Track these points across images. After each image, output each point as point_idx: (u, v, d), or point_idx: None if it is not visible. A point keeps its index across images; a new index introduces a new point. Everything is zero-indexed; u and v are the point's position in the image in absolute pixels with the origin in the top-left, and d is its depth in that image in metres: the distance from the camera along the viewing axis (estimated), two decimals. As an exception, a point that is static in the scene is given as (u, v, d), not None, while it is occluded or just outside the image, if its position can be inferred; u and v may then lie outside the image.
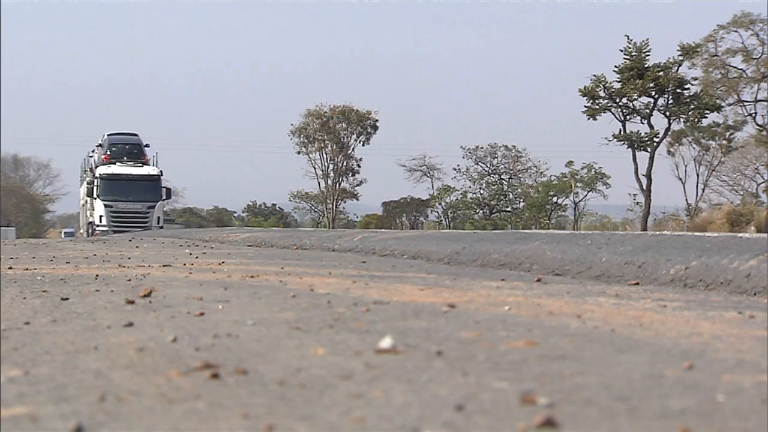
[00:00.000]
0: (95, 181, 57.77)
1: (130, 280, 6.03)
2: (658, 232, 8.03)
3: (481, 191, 74.72)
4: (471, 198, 74.48)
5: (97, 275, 6.50)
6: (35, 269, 7.41)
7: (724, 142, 60.88)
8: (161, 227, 56.27)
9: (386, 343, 3.02)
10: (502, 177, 74.70)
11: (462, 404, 2.15)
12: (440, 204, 77.34)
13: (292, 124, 79.14)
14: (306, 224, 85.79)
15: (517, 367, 2.65)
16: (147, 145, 60.43)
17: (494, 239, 8.93)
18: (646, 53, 52.44)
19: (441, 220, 75.66)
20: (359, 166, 79.29)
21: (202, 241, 17.02)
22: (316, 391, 2.32)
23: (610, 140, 53.78)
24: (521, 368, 2.62)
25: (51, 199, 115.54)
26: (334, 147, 78.16)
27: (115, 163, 57.71)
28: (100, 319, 3.88)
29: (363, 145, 78.21)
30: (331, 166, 79.07)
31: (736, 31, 56.04)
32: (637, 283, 5.86)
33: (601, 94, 53.20)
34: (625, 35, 54.29)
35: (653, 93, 52.41)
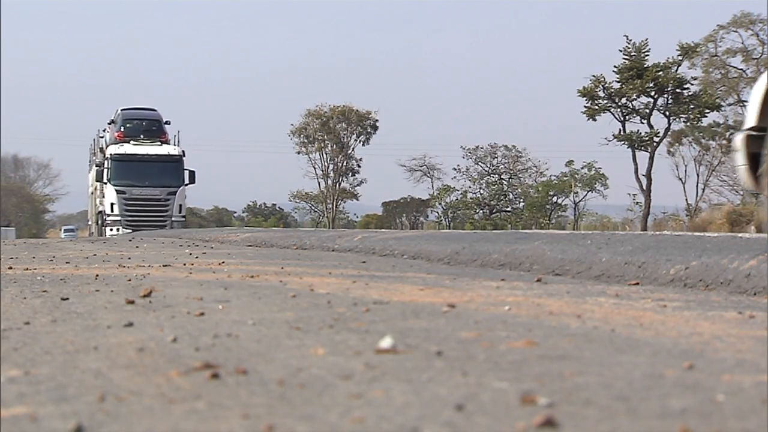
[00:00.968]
0: (106, 162, 49.57)
1: (130, 280, 6.03)
2: (658, 232, 8.03)
3: (481, 191, 74.74)
4: (471, 198, 74.50)
5: (97, 275, 6.51)
6: (35, 269, 7.41)
7: (724, 142, 60.89)
8: (183, 217, 49.30)
9: (386, 343, 3.02)
10: (502, 177, 74.72)
11: (462, 404, 2.15)
12: (440, 204, 77.35)
13: (292, 124, 79.13)
14: (306, 224, 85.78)
15: (517, 367, 2.65)
16: (167, 122, 51.96)
17: (494, 239, 8.93)
18: (646, 53, 52.42)
19: (441, 220, 75.68)
20: (359, 166, 79.32)
21: (202, 241, 17.02)
22: (316, 391, 2.32)
23: (609, 140, 53.79)
24: (521, 368, 2.62)
25: (51, 199, 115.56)
26: (334, 147, 78.17)
27: (129, 142, 49.57)
28: (100, 319, 3.88)
29: (363, 145, 78.24)
30: (331, 166, 79.08)
31: (736, 31, 56.06)
32: (637, 283, 5.86)
33: (601, 94, 53.20)
34: (624, 35, 54.33)
35: (653, 93, 52.39)
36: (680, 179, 63.57)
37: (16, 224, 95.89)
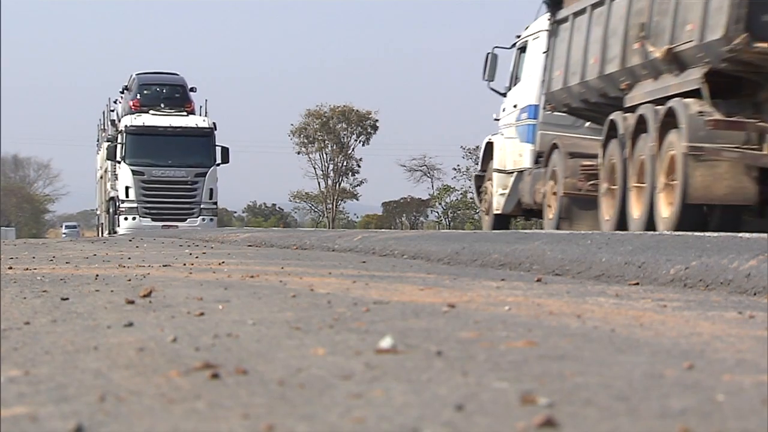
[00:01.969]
0: (119, 137, 41.05)
1: (130, 280, 6.03)
2: (658, 232, 8.03)
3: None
4: (471, 198, 74.51)
5: (97, 275, 6.51)
6: (35, 269, 7.41)
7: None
8: (215, 204, 41.13)
9: (386, 343, 3.02)
10: (502, 177, 74.68)
11: (462, 404, 2.15)
12: (440, 204, 77.33)
13: (292, 124, 79.17)
14: (306, 224, 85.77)
15: (517, 367, 2.65)
16: (193, 89, 42.68)
17: (494, 239, 8.93)
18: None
19: (441, 220, 75.64)
20: (359, 166, 79.37)
21: (202, 241, 17.02)
22: (316, 391, 2.32)
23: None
24: (521, 368, 2.62)
25: (51, 199, 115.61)
26: (334, 147, 78.20)
27: (147, 112, 40.75)
28: (100, 319, 3.88)
29: (363, 145, 78.32)
30: (331, 166, 79.10)
31: (736, 31, 55.92)
32: (637, 283, 5.86)
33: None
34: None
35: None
36: (680, 179, 63.51)
37: (16, 224, 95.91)
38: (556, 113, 17.61)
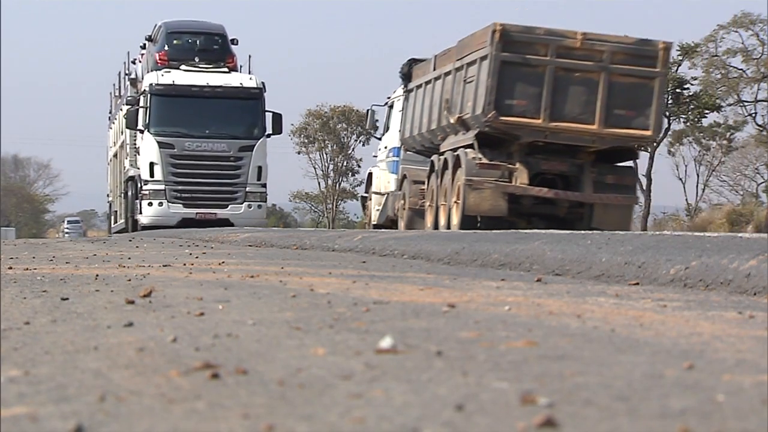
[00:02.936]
0: (141, 99, 31.70)
1: (130, 280, 6.03)
2: (658, 232, 8.03)
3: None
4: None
5: (97, 275, 6.50)
6: (35, 269, 7.41)
7: (725, 142, 60.88)
8: (264, 187, 31.92)
9: (386, 343, 3.02)
10: (502, 177, 74.69)
11: (462, 404, 2.15)
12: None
13: (292, 124, 79.02)
14: (306, 224, 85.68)
15: (517, 367, 2.65)
16: (234, 41, 33.55)
17: (494, 239, 8.93)
18: (646, 53, 52.23)
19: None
20: (359, 166, 79.28)
21: (202, 241, 17.02)
22: (316, 391, 2.32)
23: (609, 140, 53.66)
24: (521, 368, 2.62)
25: (51, 199, 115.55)
26: (334, 147, 78.14)
27: (178, 67, 31.75)
28: (100, 319, 3.88)
29: (363, 145, 78.20)
30: (331, 166, 79.02)
31: (736, 31, 55.98)
32: (637, 283, 5.86)
33: (601, 94, 53.04)
34: (625, 35, 54.19)
35: (653, 93, 52.25)
36: (680, 179, 63.57)
37: (16, 224, 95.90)
38: (409, 153, 24.93)
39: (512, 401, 2.19)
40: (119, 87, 41.62)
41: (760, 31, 55.68)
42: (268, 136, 32.17)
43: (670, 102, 52.25)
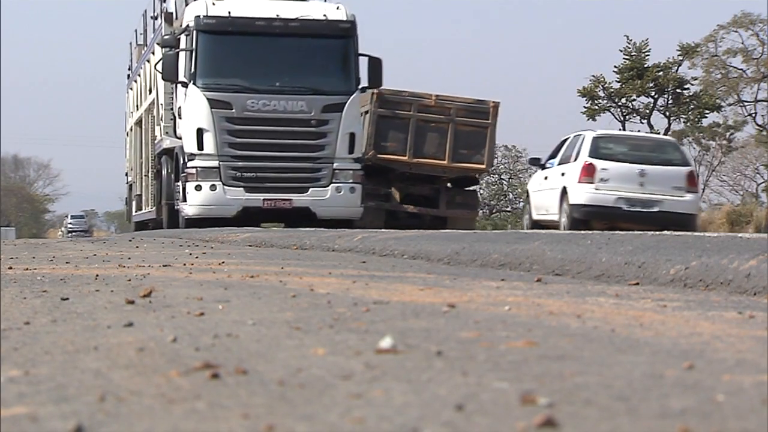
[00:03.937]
0: (183, 39, 23.04)
1: (130, 280, 6.03)
2: (658, 232, 8.03)
3: (481, 191, 74.71)
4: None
5: (97, 275, 6.51)
6: (35, 269, 7.41)
7: (724, 142, 60.89)
8: (358, 162, 23.32)
9: (386, 343, 3.02)
10: (501, 177, 74.68)
11: (462, 404, 2.15)
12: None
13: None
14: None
15: (517, 367, 2.65)
16: None
17: (494, 239, 8.93)
18: (646, 53, 52.37)
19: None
20: (359, 166, 79.06)
21: (202, 241, 17.02)
22: (316, 391, 2.32)
23: (609, 140, 53.67)
24: (521, 368, 2.62)
25: (51, 199, 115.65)
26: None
27: None
28: (100, 319, 3.88)
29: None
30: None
31: (736, 31, 56.03)
32: (637, 283, 5.86)
33: (601, 94, 53.13)
34: (625, 35, 54.19)
35: (653, 93, 52.33)
36: (680, 179, 63.46)
37: (16, 224, 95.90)
38: None
39: (512, 401, 2.19)
40: (144, 32, 31.44)
41: (760, 31, 55.74)
42: (363, 90, 23.11)
43: (670, 102, 52.26)
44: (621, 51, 52.16)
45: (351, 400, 2.22)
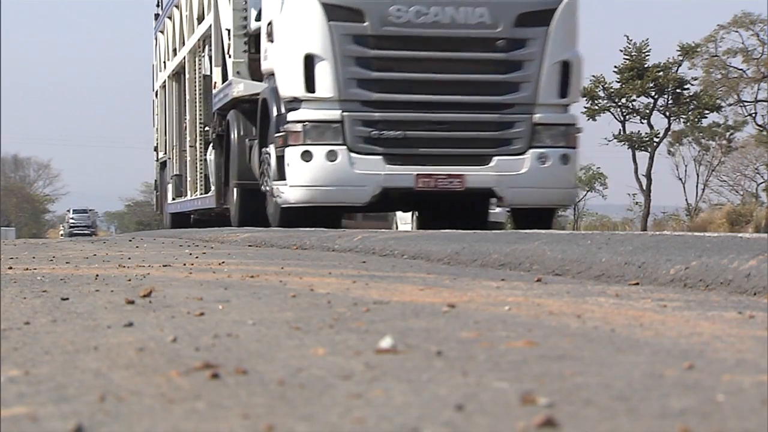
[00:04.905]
0: None
1: (130, 280, 6.03)
2: (658, 232, 8.03)
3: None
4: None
5: (97, 275, 6.51)
6: (35, 269, 7.41)
7: (724, 142, 60.88)
8: (565, 110, 14.72)
9: (386, 343, 3.02)
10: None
11: (462, 404, 2.15)
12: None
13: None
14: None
15: (517, 367, 2.65)
16: None
17: (494, 239, 8.93)
18: (646, 53, 52.41)
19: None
20: (359, 166, 78.95)
21: (202, 241, 17.01)
22: (316, 391, 2.32)
23: (609, 140, 53.80)
24: (521, 368, 2.62)
25: (51, 199, 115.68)
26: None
27: None
28: (100, 319, 3.88)
29: (363, 145, 77.91)
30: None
31: (736, 31, 56.04)
32: (637, 283, 5.86)
33: (601, 94, 53.18)
34: (625, 35, 54.20)
35: (653, 93, 52.37)
36: (680, 179, 63.55)
37: (16, 224, 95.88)
38: None
39: (512, 401, 2.19)
40: None
41: (760, 31, 55.73)
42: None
43: (670, 102, 52.26)
44: (621, 51, 52.18)
45: (351, 400, 2.22)
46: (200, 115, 21.17)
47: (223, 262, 8.42)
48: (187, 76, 23.24)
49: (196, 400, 2.22)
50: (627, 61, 51.68)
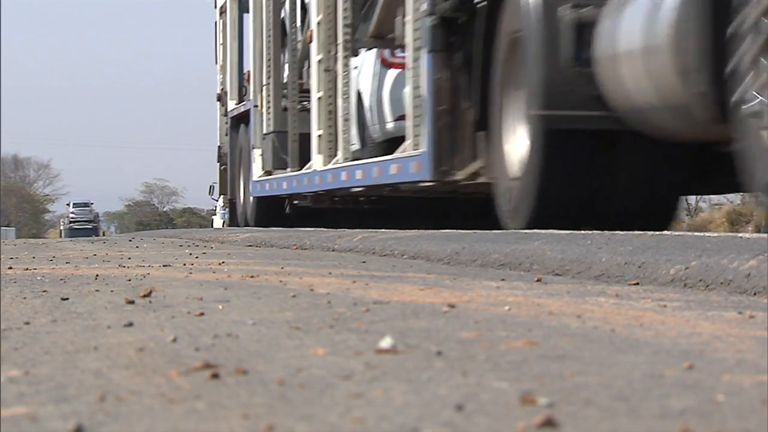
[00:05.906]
0: None
1: (130, 280, 6.03)
2: (658, 232, 8.02)
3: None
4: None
5: (97, 275, 6.51)
6: (35, 269, 7.41)
7: (724, 142, 60.77)
8: None
9: (386, 343, 3.02)
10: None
11: (462, 404, 2.15)
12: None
13: (292, 124, 78.41)
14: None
15: (517, 367, 2.65)
16: None
17: (494, 239, 8.93)
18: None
19: (441, 220, 75.46)
20: (359, 166, 78.87)
21: (202, 241, 17.01)
22: (316, 391, 2.32)
23: (610, 140, 53.72)
24: (521, 368, 2.62)
25: (51, 199, 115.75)
26: (334, 147, 77.64)
27: None
28: (100, 319, 3.88)
29: (363, 145, 77.84)
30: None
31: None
32: (637, 283, 5.86)
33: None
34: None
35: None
36: (680, 179, 63.37)
37: (16, 224, 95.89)
38: None
39: (512, 401, 2.19)
40: None
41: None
42: None
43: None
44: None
45: (351, 400, 2.22)
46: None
47: (223, 262, 8.42)
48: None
49: (196, 400, 2.22)
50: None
